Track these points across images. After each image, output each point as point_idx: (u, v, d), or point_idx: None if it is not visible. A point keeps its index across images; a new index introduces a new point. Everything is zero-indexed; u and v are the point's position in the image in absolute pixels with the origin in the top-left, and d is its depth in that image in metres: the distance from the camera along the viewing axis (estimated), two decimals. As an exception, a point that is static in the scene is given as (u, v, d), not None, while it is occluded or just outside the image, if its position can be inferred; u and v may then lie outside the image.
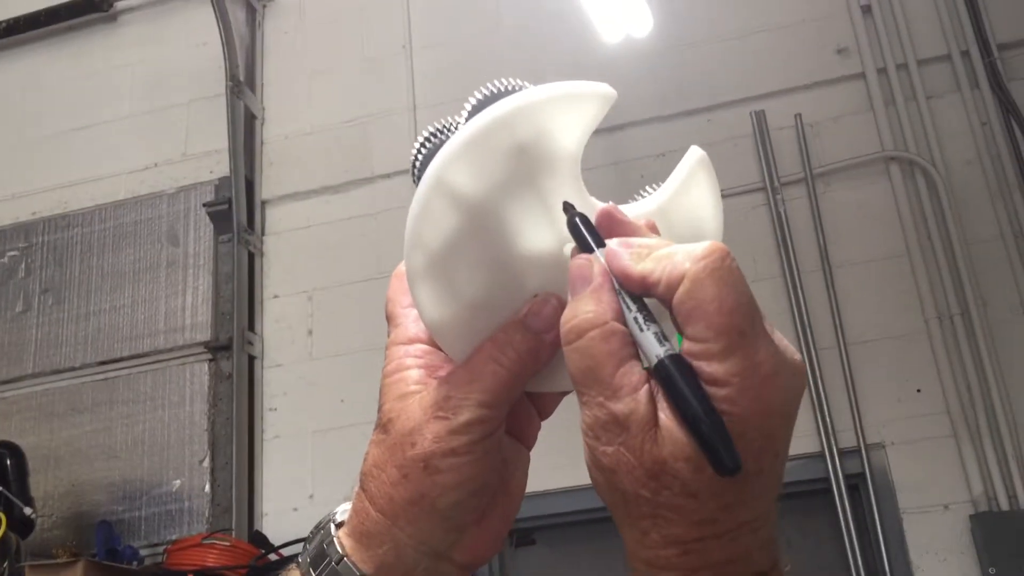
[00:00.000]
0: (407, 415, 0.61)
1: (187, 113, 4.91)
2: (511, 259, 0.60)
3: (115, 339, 4.58)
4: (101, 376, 4.53)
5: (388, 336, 0.67)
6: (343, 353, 4.30)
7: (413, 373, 0.63)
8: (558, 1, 4.25)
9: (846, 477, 3.64)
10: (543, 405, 0.68)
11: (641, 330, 0.53)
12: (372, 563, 0.62)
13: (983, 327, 3.70)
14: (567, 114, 0.59)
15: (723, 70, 4.32)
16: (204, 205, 4.61)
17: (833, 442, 3.67)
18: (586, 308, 0.55)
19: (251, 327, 4.45)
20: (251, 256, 4.57)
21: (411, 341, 0.65)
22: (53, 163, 5.01)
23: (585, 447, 0.55)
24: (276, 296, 4.55)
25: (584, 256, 0.57)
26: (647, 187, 0.67)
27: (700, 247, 0.53)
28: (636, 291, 0.55)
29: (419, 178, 0.61)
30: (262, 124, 4.88)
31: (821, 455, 3.67)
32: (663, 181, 0.66)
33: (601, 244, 0.57)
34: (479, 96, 0.61)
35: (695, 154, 0.65)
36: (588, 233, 0.58)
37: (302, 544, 0.67)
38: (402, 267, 0.66)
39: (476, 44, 4.61)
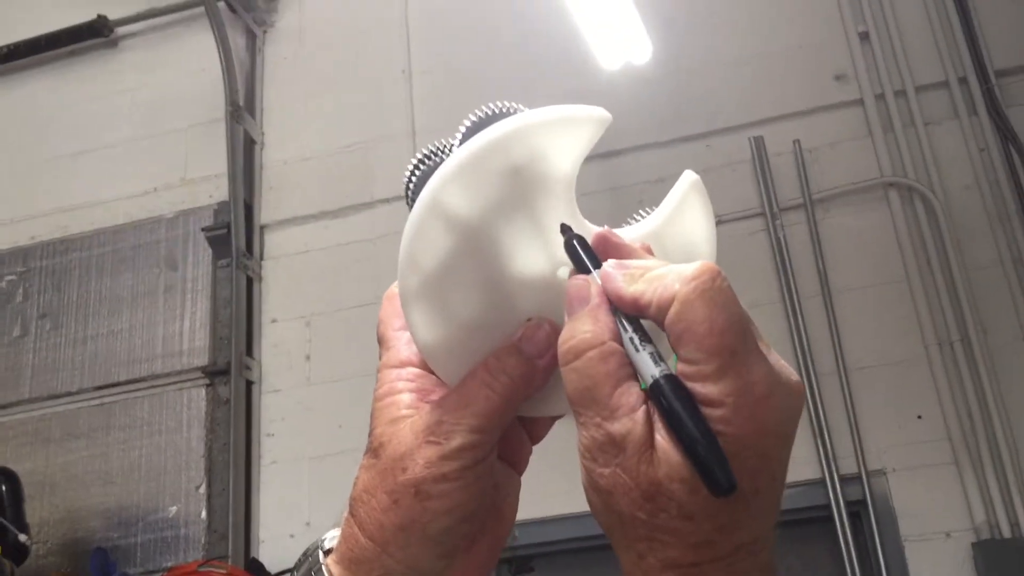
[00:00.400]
0: (398, 440, 0.61)
1: (186, 138, 4.92)
2: (504, 281, 0.60)
3: (112, 364, 4.57)
4: (98, 401, 4.51)
5: (380, 359, 0.66)
6: (341, 379, 4.29)
7: (405, 397, 0.63)
8: (557, 27, 4.27)
9: (847, 504, 3.61)
10: (535, 430, 0.67)
11: (637, 350, 0.53)
12: None
13: (983, 353, 3.69)
14: (562, 137, 0.60)
15: (721, 96, 4.33)
16: (203, 230, 4.61)
17: (834, 468, 3.65)
18: (584, 328, 0.55)
19: (249, 352, 4.43)
20: (249, 281, 4.56)
21: (403, 364, 0.64)
22: (52, 188, 5.01)
23: (582, 469, 0.55)
24: (274, 321, 4.54)
25: (581, 277, 0.58)
26: (641, 211, 0.67)
27: (690, 268, 0.53)
28: (629, 312, 0.55)
29: (413, 200, 0.61)
30: (261, 149, 4.89)
31: (821, 482, 3.65)
32: (657, 205, 0.66)
33: (598, 265, 0.57)
34: (473, 118, 0.62)
35: (689, 178, 0.65)
36: (585, 255, 0.58)
37: (290, 572, 0.67)
38: (394, 289, 0.66)
39: (475, 69, 4.63)
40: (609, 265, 0.57)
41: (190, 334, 4.52)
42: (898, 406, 3.72)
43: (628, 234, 0.64)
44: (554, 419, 0.66)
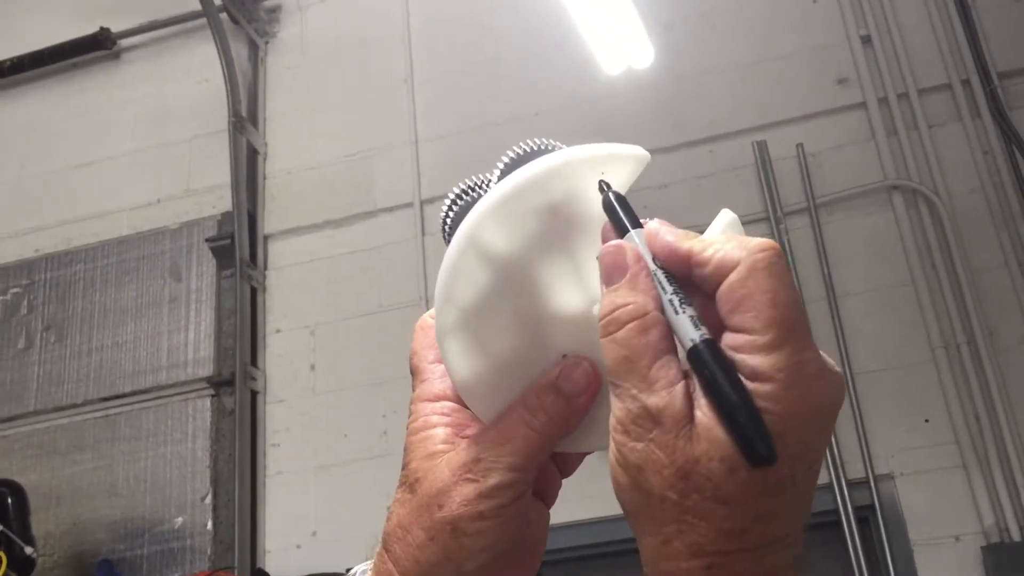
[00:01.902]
0: (435, 475, 0.60)
1: (190, 149, 4.92)
2: (541, 318, 0.60)
3: (117, 375, 4.56)
4: (103, 413, 4.50)
5: (413, 390, 0.66)
6: (345, 388, 4.28)
7: (440, 432, 0.62)
8: (559, 34, 4.27)
9: (855, 509, 3.61)
10: (566, 465, 0.67)
11: (677, 313, 0.52)
12: None
13: (990, 356, 3.68)
14: (600, 176, 0.60)
15: (724, 101, 4.33)
16: (207, 240, 4.61)
17: (841, 473, 3.64)
18: (623, 299, 0.54)
19: (253, 362, 4.43)
20: (253, 291, 4.56)
21: (437, 398, 0.64)
22: (56, 200, 5.01)
23: (611, 443, 0.54)
24: (278, 331, 4.53)
25: (613, 243, 0.56)
26: None
27: (755, 240, 0.52)
28: (678, 268, 0.54)
29: (450, 235, 0.61)
30: (264, 159, 4.89)
31: (829, 486, 3.63)
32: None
33: (637, 225, 0.57)
34: (511, 155, 0.62)
35: (726, 217, 0.65)
36: (624, 213, 0.57)
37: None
38: (427, 320, 0.65)
39: (477, 77, 4.63)
40: (655, 223, 0.56)
41: (195, 345, 4.52)
42: (905, 410, 3.71)
43: None
44: (585, 454, 0.65)
